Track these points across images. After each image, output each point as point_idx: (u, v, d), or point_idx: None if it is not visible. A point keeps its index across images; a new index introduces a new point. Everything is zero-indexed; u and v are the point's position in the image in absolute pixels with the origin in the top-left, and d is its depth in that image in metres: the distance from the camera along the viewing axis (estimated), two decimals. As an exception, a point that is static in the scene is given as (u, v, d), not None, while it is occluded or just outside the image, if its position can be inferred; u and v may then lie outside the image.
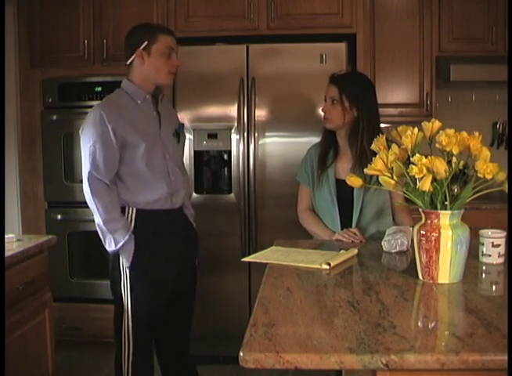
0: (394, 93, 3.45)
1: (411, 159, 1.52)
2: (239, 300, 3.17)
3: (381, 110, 2.41)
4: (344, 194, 2.30)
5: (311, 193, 2.41)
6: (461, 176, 1.53)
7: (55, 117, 3.43)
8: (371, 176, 1.90)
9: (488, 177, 1.48)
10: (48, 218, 3.45)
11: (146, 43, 2.17)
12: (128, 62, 2.23)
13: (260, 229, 3.14)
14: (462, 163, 1.52)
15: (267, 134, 3.13)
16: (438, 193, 1.52)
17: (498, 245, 1.74)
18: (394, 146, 1.59)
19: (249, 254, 2.59)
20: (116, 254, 2.18)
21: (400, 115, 3.44)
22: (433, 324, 1.28)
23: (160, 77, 2.22)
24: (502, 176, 1.51)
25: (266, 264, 1.82)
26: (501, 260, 1.74)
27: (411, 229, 1.85)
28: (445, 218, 1.52)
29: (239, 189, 3.13)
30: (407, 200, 1.66)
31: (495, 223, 2.09)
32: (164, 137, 2.27)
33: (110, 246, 2.15)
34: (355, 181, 1.80)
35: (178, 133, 2.36)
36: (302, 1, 3.24)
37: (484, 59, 3.35)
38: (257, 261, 1.91)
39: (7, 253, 2.10)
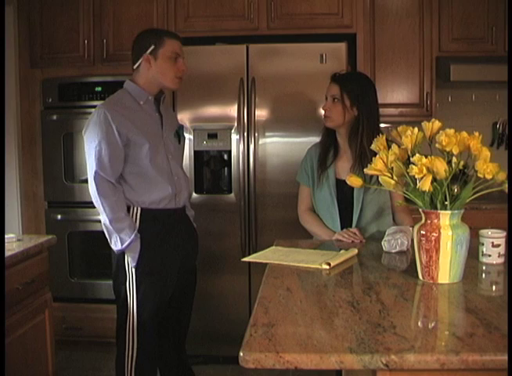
0: (394, 93, 3.45)
1: (411, 159, 1.52)
2: (239, 300, 3.17)
3: (381, 110, 2.41)
4: (344, 194, 2.30)
5: (311, 192, 2.41)
6: (461, 176, 1.52)
7: (55, 117, 3.42)
8: (371, 176, 1.90)
9: (488, 177, 1.48)
10: (48, 218, 3.45)
11: (152, 47, 2.18)
12: (135, 66, 2.23)
13: (260, 229, 3.14)
14: (462, 163, 1.52)
15: (267, 134, 3.13)
16: (438, 193, 1.52)
17: (498, 245, 1.74)
18: (394, 146, 1.59)
19: (249, 254, 2.59)
20: (121, 254, 2.18)
21: (400, 115, 3.45)
22: (433, 324, 1.28)
23: (166, 81, 2.23)
24: (502, 176, 1.51)
25: (266, 264, 1.82)
26: (501, 260, 1.74)
27: (411, 229, 1.85)
28: (445, 218, 1.52)
29: (239, 189, 3.13)
30: (407, 200, 1.66)
31: (495, 223, 2.09)
32: (166, 138, 2.28)
33: (116, 245, 2.15)
34: (355, 181, 1.80)
35: (179, 134, 2.38)
36: (302, 1, 3.24)
37: (484, 59, 3.35)
38: (257, 261, 1.91)
39: (7, 253, 2.10)
